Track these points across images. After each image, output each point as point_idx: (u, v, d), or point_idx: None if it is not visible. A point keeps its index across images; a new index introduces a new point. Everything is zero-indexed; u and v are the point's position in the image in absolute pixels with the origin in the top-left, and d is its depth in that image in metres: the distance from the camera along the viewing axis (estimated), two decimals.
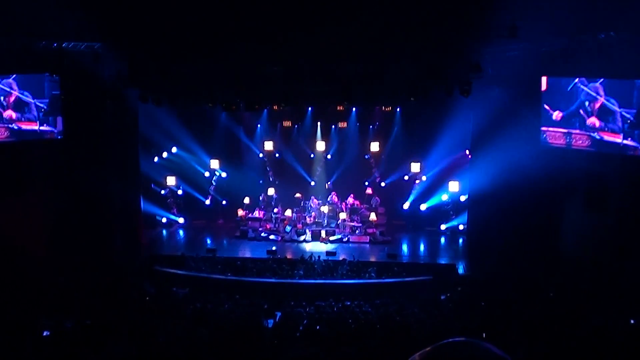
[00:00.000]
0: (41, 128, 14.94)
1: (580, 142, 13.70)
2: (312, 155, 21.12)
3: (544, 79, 14.11)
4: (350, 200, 19.90)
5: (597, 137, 13.32)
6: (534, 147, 14.44)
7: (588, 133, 13.49)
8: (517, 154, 14.63)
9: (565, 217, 14.70)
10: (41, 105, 14.84)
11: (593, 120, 13.28)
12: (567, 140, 13.93)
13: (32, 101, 14.70)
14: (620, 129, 12.83)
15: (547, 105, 14.22)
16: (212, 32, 13.42)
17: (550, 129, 14.22)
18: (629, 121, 12.63)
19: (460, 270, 15.80)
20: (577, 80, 13.49)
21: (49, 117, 15.01)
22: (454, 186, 18.72)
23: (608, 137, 13.12)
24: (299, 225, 19.12)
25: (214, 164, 20.52)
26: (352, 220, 19.20)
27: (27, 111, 14.74)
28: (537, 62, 13.81)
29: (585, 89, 13.36)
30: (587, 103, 13.35)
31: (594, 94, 13.18)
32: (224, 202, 21.12)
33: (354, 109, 20.04)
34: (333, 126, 20.83)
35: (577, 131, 13.71)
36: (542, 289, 12.93)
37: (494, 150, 15.12)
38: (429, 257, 17.65)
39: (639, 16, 11.20)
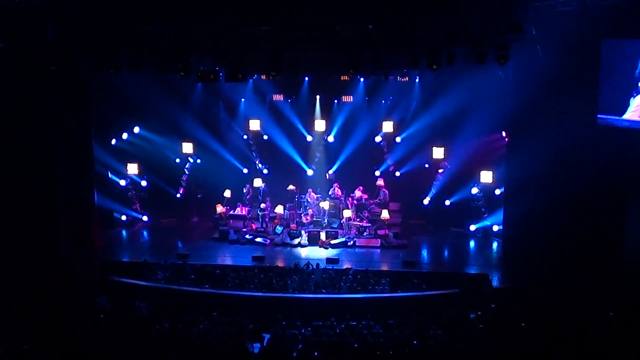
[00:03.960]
0: None
1: None
2: (309, 137, 21.11)
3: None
4: (357, 194, 19.85)
5: None
6: (590, 129, 14.34)
7: None
8: (568, 137, 14.59)
9: (630, 216, 14.54)
10: None
11: None
12: None
13: None
14: None
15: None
16: None
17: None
18: None
19: (495, 282, 15.73)
20: None
21: None
22: (486, 177, 18.75)
23: None
24: (293, 226, 19.12)
25: (187, 147, 20.55)
26: (359, 219, 19.10)
27: None
28: (595, 21, 13.59)
29: None
30: None
31: None
32: (199, 196, 21.26)
33: (361, 79, 19.93)
34: (335, 100, 20.80)
35: None
36: (599, 307, 12.73)
37: (537, 133, 15.09)
38: (455, 265, 17.62)
39: None
